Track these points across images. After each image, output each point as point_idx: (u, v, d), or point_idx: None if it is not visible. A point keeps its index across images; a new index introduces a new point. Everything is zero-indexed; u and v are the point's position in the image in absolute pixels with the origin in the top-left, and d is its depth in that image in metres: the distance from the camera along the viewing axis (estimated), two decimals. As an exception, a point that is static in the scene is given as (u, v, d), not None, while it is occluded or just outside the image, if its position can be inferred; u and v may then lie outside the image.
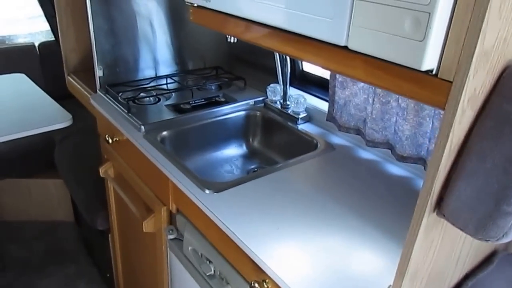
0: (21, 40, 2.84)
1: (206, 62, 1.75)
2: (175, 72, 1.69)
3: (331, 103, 1.27)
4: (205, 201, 1.01)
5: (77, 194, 2.04)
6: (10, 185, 2.42)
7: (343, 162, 1.19)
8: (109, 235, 1.87)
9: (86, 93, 1.74)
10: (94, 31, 1.47)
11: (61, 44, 1.89)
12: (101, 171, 1.61)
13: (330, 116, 1.29)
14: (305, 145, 1.29)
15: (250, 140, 1.44)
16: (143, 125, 1.27)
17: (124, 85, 1.56)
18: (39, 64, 2.79)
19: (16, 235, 2.40)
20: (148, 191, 1.31)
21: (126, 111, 1.36)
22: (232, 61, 1.74)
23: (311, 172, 1.14)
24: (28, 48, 2.76)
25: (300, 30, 0.71)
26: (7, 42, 2.79)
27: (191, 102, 1.44)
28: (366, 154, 1.23)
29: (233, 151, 1.42)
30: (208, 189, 1.03)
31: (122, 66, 1.59)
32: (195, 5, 0.94)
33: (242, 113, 1.42)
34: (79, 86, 1.82)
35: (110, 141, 1.45)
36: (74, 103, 1.96)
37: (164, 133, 1.28)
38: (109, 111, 1.43)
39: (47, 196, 2.46)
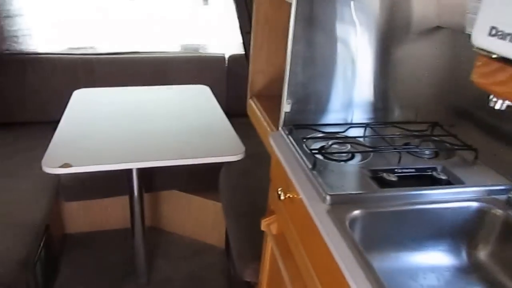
0: (213, 50, 2.81)
1: (418, 114, 1.34)
2: (373, 121, 1.32)
3: None
4: None
5: (232, 230, 1.81)
6: (174, 197, 2.36)
7: None
8: (256, 290, 1.60)
9: (265, 124, 1.49)
10: (291, 58, 1.19)
11: (250, 63, 1.68)
12: (263, 223, 1.33)
13: None
14: None
15: (476, 248, 0.97)
16: (329, 195, 0.93)
17: (311, 128, 1.25)
18: (226, 76, 2.72)
19: (167, 250, 2.32)
20: (317, 283, 0.96)
21: (311, 167, 1.04)
22: (457, 118, 1.28)
23: None
24: (217, 60, 2.71)
25: None
26: (200, 50, 2.79)
27: (396, 171, 1.04)
28: None
29: (444, 258, 0.97)
30: None
31: (313, 104, 1.28)
32: (494, 56, 0.55)
33: (472, 205, 0.96)
34: (259, 114, 1.58)
35: (282, 197, 1.14)
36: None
37: (356, 213, 0.91)
38: (289, 159, 1.13)
39: (204, 216, 2.34)
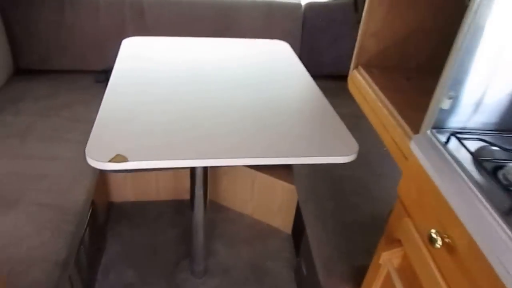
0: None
1: None
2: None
3: None
4: None
5: (314, 231, 1.47)
6: (237, 170, 2.02)
7: None
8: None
9: (386, 112, 1.08)
10: (468, 30, 0.76)
11: (362, 22, 1.25)
12: (383, 257, 0.97)
13: None
14: None
15: None
16: None
17: (478, 137, 0.84)
18: (301, 29, 2.27)
19: (226, 230, 2.02)
20: None
21: (506, 209, 0.65)
22: None
23: None
24: (292, 7, 2.25)
25: None
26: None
27: None
28: None
29: None
30: None
31: (473, 99, 0.86)
32: None
33: None
34: (373, 95, 1.17)
35: (439, 243, 0.76)
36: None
37: None
38: (454, 187, 0.74)
39: (270, 196, 2.00)
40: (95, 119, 1.88)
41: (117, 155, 0.95)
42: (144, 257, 1.82)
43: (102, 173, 1.90)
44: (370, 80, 1.22)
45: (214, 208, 2.13)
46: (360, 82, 1.26)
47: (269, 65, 1.60)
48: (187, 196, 2.13)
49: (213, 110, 1.24)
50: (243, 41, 1.80)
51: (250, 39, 1.82)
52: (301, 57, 2.22)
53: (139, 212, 2.06)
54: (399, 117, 1.04)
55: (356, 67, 1.31)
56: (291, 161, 1.03)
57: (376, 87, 1.18)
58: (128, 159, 0.94)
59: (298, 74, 1.54)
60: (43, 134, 1.71)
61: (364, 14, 1.22)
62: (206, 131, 1.11)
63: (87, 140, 1.70)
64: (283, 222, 2.03)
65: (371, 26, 1.24)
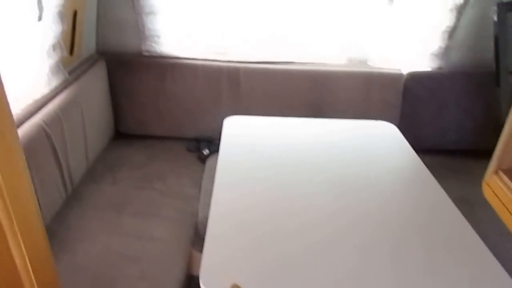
0: (385, 63, 2.20)
1: None
2: None
3: None
4: None
5: None
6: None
7: None
8: None
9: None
10: None
11: (508, 119, 1.09)
12: None
13: None
14: None
15: None
16: None
17: None
18: (401, 101, 2.12)
19: None
20: None
21: None
22: None
23: None
24: (391, 77, 2.12)
25: None
26: (368, 62, 2.19)
27: None
28: None
29: None
30: None
31: None
32: None
33: None
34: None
35: None
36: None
37: None
38: None
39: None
40: (186, 194, 1.82)
41: (234, 285, 0.85)
42: None
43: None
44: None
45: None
46: (503, 192, 1.09)
47: (378, 159, 1.45)
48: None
49: (329, 229, 1.09)
50: (345, 123, 1.68)
51: (353, 120, 1.69)
52: (399, 130, 2.07)
53: None
54: None
55: (496, 172, 1.14)
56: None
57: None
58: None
59: (415, 171, 1.37)
60: (138, 209, 1.67)
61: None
62: (325, 259, 0.97)
63: (179, 218, 1.64)
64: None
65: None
